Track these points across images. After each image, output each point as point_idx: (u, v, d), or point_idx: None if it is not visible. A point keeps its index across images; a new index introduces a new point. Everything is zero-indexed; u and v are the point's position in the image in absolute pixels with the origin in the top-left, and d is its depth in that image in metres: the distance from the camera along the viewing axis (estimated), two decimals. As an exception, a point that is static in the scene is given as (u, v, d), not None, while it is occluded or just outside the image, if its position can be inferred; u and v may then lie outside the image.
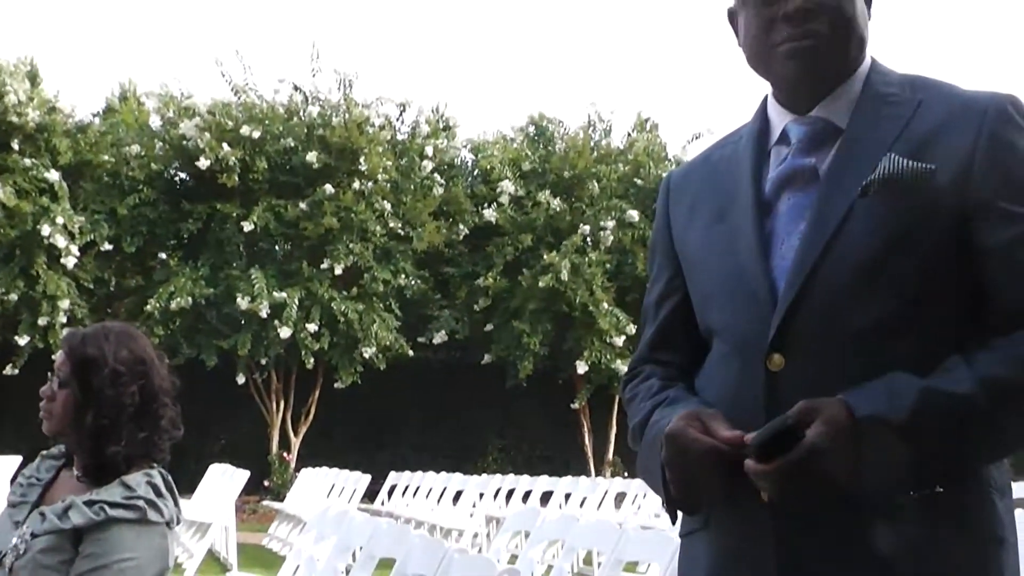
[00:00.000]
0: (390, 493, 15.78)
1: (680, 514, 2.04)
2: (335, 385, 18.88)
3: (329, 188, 18.14)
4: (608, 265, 19.52)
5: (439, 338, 19.60)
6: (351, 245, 18.27)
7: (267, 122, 18.61)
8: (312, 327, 17.76)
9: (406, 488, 15.42)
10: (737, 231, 2.10)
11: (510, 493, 14.63)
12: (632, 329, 18.19)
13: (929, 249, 1.94)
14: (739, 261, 2.07)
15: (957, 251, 1.95)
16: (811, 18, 2.04)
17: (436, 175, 19.94)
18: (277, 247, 18.74)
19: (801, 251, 1.99)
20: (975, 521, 1.92)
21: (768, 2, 2.07)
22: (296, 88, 19.43)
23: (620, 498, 13.68)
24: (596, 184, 20.04)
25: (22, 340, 17.58)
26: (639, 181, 20.32)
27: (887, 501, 1.86)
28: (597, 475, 19.23)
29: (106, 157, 18.78)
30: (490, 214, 19.68)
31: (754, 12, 2.10)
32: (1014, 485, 2.17)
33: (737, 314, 2.06)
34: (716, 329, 2.13)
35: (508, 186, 19.81)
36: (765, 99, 2.24)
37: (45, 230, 17.24)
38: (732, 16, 2.22)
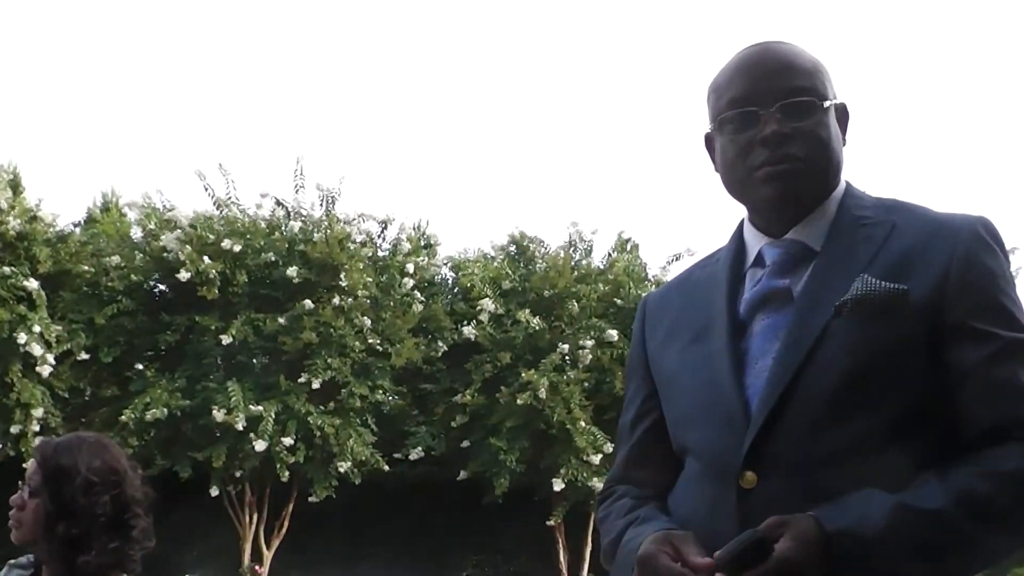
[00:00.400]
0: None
1: None
2: (310, 499, 18.65)
3: (309, 303, 18.11)
4: (586, 384, 19.47)
5: (415, 454, 19.43)
6: (329, 360, 18.20)
7: (248, 236, 18.62)
8: (288, 440, 17.62)
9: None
10: (712, 351, 2.12)
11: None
12: (609, 447, 18.10)
13: (903, 369, 1.97)
14: (714, 380, 2.09)
15: (931, 370, 1.98)
16: (788, 143, 2.09)
17: (416, 292, 19.97)
18: (255, 360, 18.64)
19: (775, 371, 2.01)
20: None
21: (745, 127, 2.13)
22: (278, 203, 19.51)
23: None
24: (576, 303, 20.05)
25: (-7, 448, 17.38)
26: (619, 301, 20.36)
27: None
28: (572, 594, 19.05)
29: (86, 267, 18.72)
30: (469, 331, 19.65)
31: (731, 137, 2.16)
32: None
33: (711, 432, 2.07)
34: (690, 447, 2.14)
35: (488, 304, 19.81)
36: (741, 222, 2.28)
37: (21, 338, 17.10)
38: (709, 141, 2.27)
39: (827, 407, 1.96)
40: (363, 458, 18.39)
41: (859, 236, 2.10)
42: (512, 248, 21.76)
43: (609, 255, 21.93)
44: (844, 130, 2.23)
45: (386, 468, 18.98)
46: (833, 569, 1.80)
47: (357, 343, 18.58)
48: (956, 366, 1.99)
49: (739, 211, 2.30)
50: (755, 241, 2.22)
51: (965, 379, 1.98)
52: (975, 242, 2.06)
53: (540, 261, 21.35)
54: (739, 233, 2.28)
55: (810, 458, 1.94)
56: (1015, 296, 2.08)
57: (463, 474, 19.55)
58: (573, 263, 21.19)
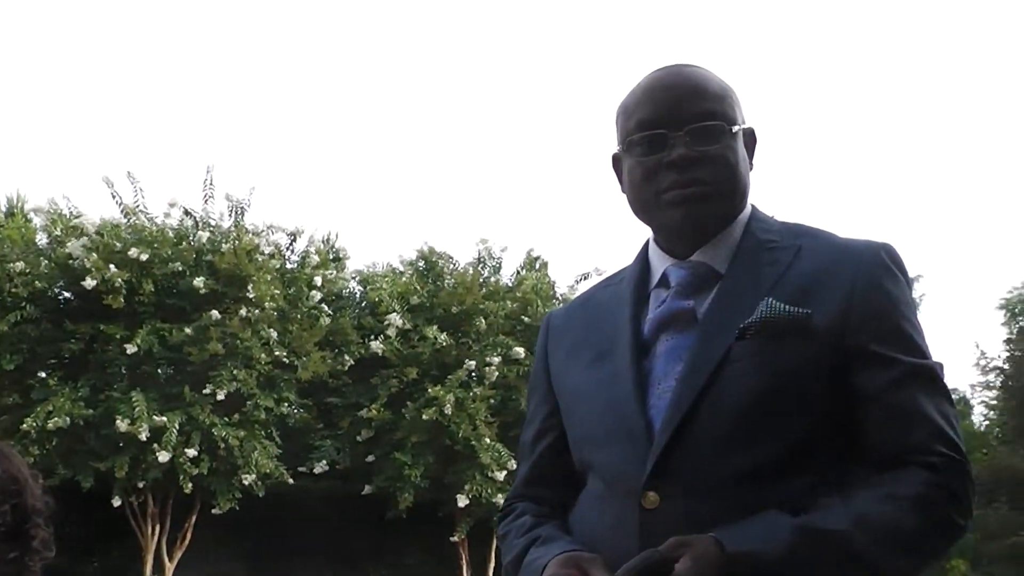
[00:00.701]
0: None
1: None
2: (213, 511, 18.48)
3: (215, 314, 17.95)
4: (492, 400, 19.53)
5: (320, 467, 19.39)
6: (235, 371, 18.05)
7: (156, 245, 18.42)
8: (192, 452, 17.44)
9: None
10: (615, 371, 2.13)
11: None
12: (514, 464, 18.13)
13: (805, 393, 1.99)
14: (616, 400, 2.09)
15: (834, 394, 2.01)
16: (695, 167, 2.11)
17: (324, 305, 19.96)
18: (160, 370, 18.46)
19: (678, 392, 2.02)
20: None
21: (652, 150, 2.14)
22: (187, 212, 19.38)
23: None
24: (483, 320, 20.12)
25: None
26: (526, 318, 20.44)
27: None
28: (474, 610, 19.09)
29: (-12, 273, 18.49)
30: (376, 346, 19.64)
31: (638, 159, 2.17)
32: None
33: (613, 452, 2.07)
34: (592, 466, 2.15)
35: (396, 319, 19.80)
36: (647, 243, 2.30)
37: (-79, 346, 16.88)
38: (616, 162, 2.28)
39: (730, 429, 1.97)
40: (267, 471, 18.27)
41: (764, 259, 2.13)
42: (421, 263, 21.79)
43: (518, 273, 22.01)
44: (751, 154, 2.25)
45: (291, 481, 18.88)
46: None
47: (263, 355, 18.47)
48: (858, 391, 2.02)
49: (647, 231, 2.31)
50: (660, 262, 2.23)
51: (867, 404, 2.01)
52: (878, 268, 2.10)
53: (449, 277, 21.39)
54: (644, 253, 2.30)
55: (712, 479, 1.95)
56: (916, 322, 2.12)
57: (368, 488, 19.53)
58: (481, 280, 21.26)
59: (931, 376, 2.06)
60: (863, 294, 2.05)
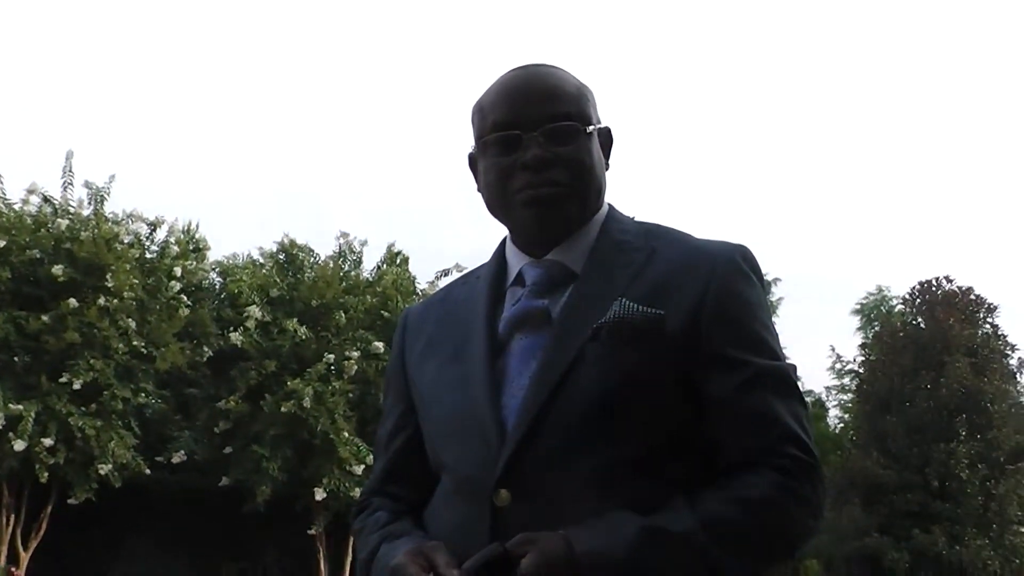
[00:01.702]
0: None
1: None
2: (69, 501, 18.24)
3: (74, 302, 17.73)
4: (351, 395, 19.62)
5: (178, 458, 19.20)
6: (92, 361, 17.84)
7: (13, 232, 18.14)
8: (48, 441, 17.20)
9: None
10: (469, 369, 2.11)
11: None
12: (372, 459, 18.12)
13: (658, 393, 1.99)
14: (470, 399, 2.07)
15: (686, 395, 2.01)
16: (550, 167, 2.10)
17: (183, 296, 19.74)
18: (16, 359, 18.17)
19: (530, 391, 2.01)
20: None
21: (508, 150, 2.12)
22: (46, 199, 19.10)
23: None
24: (343, 314, 20.18)
25: None
26: (386, 313, 20.52)
27: None
28: (331, 603, 19.14)
29: None
30: (236, 338, 19.56)
31: (493, 159, 2.15)
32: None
33: (466, 450, 2.06)
34: (445, 464, 2.13)
35: (255, 311, 19.75)
36: (504, 240, 2.28)
37: None
38: (472, 161, 2.26)
39: (582, 429, 1.96)
40: (124, 461, 18.09)
41: (619, 260, 2.11)
42: (281, 256, 21.75)
43: (379, 267, 22.08)
44: (607, 154, 2.24)
45: (147, 472, 18.71)
46: None
47: (121, 345, 18.29)
48: (710, 393, 2.02)
49: (504, 228, 2.29)
50: (516, 260, 2.21)
51: (719, 406, 2.01)
52: (732, 270, 2.09)
53: (309, 270, 21.39)
54: (501, 251, 2.28)
55: (564, 479, 1.95)
56: (770, 325, 2.12)
57: (225, 480, 19.46)
58: (342, 274, 21.33)
59: (783, 378, 2.07)
60: (716, 296, 2.05)
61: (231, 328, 19.97)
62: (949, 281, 36.95)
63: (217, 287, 22.01)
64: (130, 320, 18.51)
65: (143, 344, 18.75)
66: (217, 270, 21.97)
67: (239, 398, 19.12)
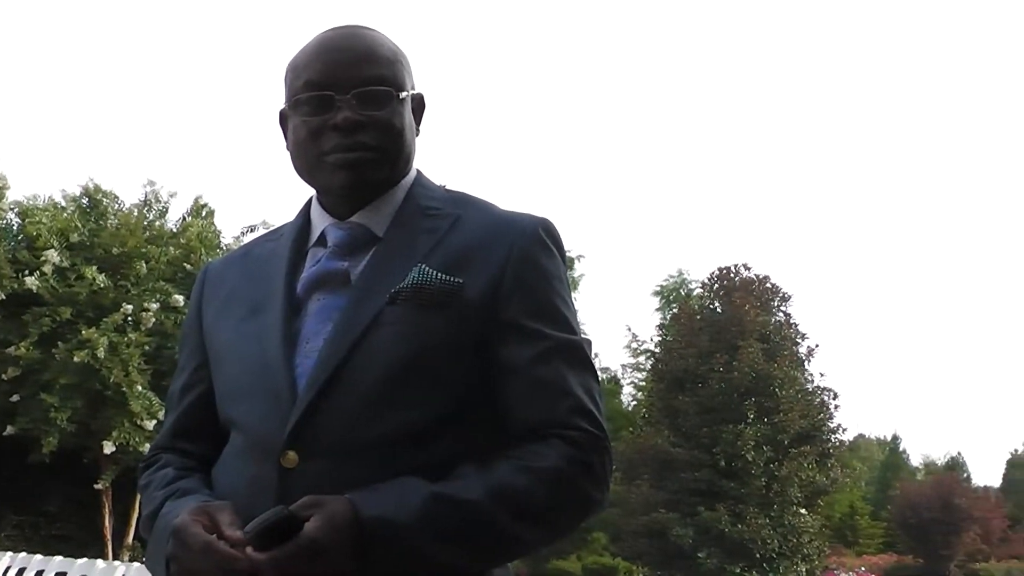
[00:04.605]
0: None
1: None
2: None
3: None
4: (147, 347, 19.17)
5: (-39, 403, 18.67)
6: None
7: None
8: None
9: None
10: (265, 328, 2.12)
11: (21, 572, 14.08)
12: (164, 414, 17.84)
13: (453, 362, 2.02)
14: (264, 357, 2.08)
15: (481, 363, 2.04)
16: (360, 130, 2.11)
17: (-24, 236, 19.15)
18: None
19: (325, 352, 2.02)
20: None
21: (318, 111, 2.12)
22: None
23: (137, 583, 13.46)
24: (144, 264, 19.72)
25: None
26: (188, 266, 20.15)
27: None
28: (115, 559, 18.63)
29: None
30: (31, 282, 18.88)
31: (304, 119, 2.15)
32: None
33: (256, 409, 2.06)
34: (235, 422, 2.13)
35: (53, 256, 19.14)
36: (310, 200, 2.29)
37: None
38: (283, 118, 2.25)
39: (375, 393, 1.98)
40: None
41: (423, 226, 2.14)
42: (84, 200, 21.15)
43: (184, 219, 21.65)
44: (419, 121, 2.26)
45: (-73, 417, 18.11)
46: (365, 553, 1.83)
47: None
48: (505, 363, 2.05)
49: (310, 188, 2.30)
50: (321, 221, 2.22)
51: (513, 376, 2.04)
52: (534, 242, 2.12)
53: (112, 217, 20.83)
54: (307, 211, 2.29)
55: (354, 442, 1.96)
56: (568, 298, 2.16)
57: (10, 429, 18.85)
58: (146, 223, 20.85)
59: (578, 352, 2.10)
60: (516, 267, 2.08)
61: (27, 272, 19.30)
62: (747, 269, 38.14)
63: (15, 228, 21.25)
64: (-81, 258, 17.81)
65: (-69, 284, 18.07)
66: (16, 210, 21.18)
67: (31, 344, 18.50)
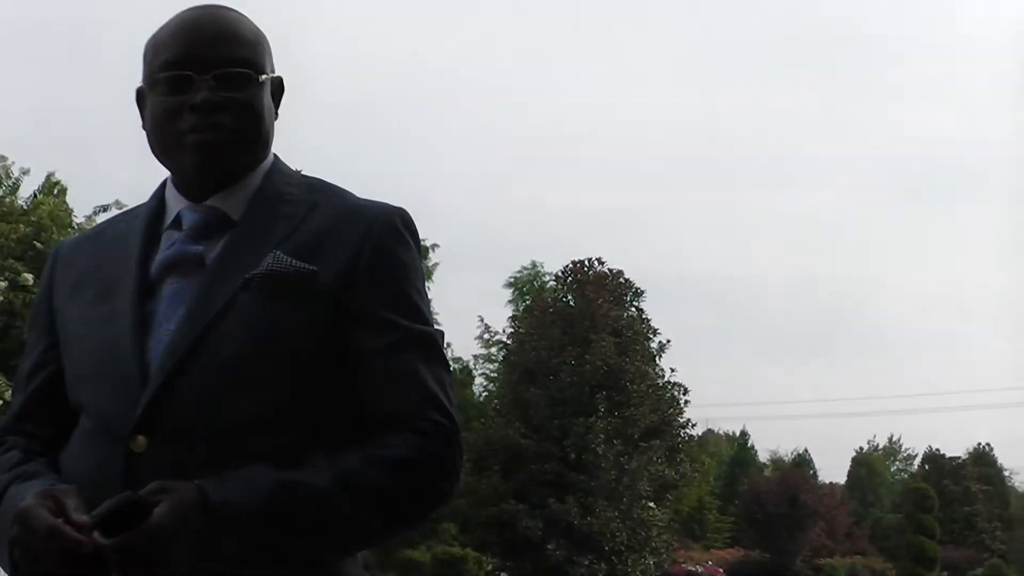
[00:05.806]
0: None
1: None
2: None
3: None
4: (-6, 327, 18.77)
5: None
6: None
7: None
8: None
9: None
10: (117, 311, 2.08)
11: None
12: (11, 395, 17.48)
13: (304, 347, 2.01)
14: (114, 340, 2.05)
15: (333, 352, 2.03)
16: (218, 112, 2.07)
17: None
18: None
19: (175, 336, 2.00)
20: None
21: (177, 90, 2.08)
22: None
23: None
24: (-7, 242, 19.27)
25: None
26: (39, 245, 19.60)
27: None
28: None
29: None
30: None
31: (161, 99, 2.11)
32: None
33: (105, 392, 2.03)
34: (84, 405, 2.09)
35: None
36: (165, 181, 2.24)
37: None
38: (140, 97, 2.20)
39: (225, 378, 1.97)
40: None
41: (279, 211, 2.12)
42: (-67, 173, 20.55)
43: (35, 196, 21.09)
44: (277, 104, 2.24)
45: None
46: (212, 539, 1.82)
47: None
48: (357, 352, 2.04)
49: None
50: (176, 203, 2.18)
51: (365, 366, 2.04)
52: (389, 232, 2.12)
53: (-41, 193, 20.30)
54: (161, 192, 2.24)
55: (205, 428, 1.95)
56: (422, 289, 2.16)
57: None
58: (-4, 199, 20.34)
59: (430, 343, 2.11)
60: (371, 256, 2.08)
61: None
62: (601, 263, 38.34)
63: None
64: None
65: None
66: None
67: None
